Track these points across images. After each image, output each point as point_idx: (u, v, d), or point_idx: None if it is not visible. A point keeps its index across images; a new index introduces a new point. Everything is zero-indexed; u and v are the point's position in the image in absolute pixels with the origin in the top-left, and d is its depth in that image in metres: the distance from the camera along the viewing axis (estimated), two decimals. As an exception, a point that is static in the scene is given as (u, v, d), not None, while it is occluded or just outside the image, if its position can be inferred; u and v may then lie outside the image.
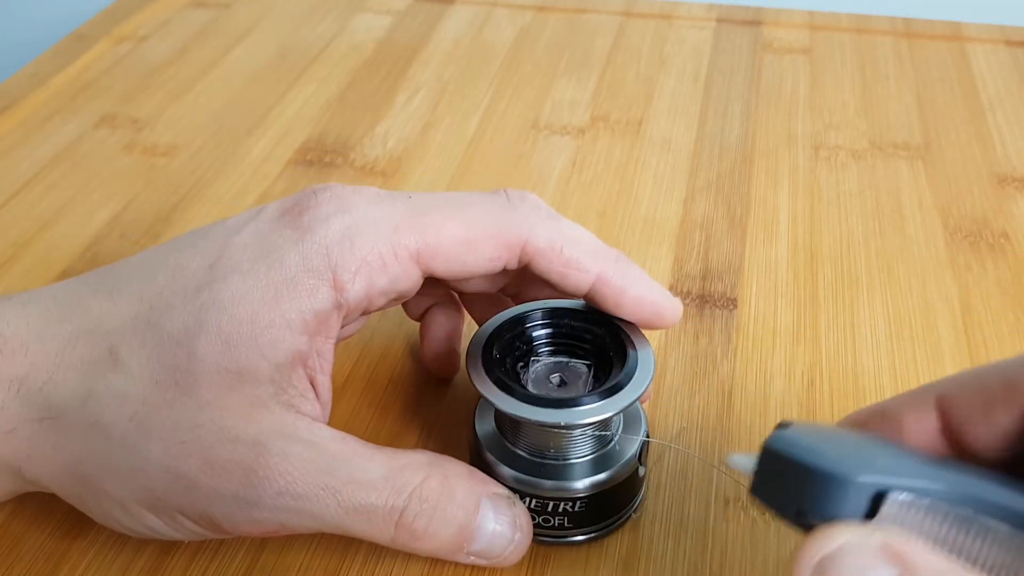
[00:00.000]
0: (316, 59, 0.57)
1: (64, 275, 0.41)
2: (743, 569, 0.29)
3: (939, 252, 0.41)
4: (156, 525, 0.26)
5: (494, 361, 0.28)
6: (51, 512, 0.30)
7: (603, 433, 0.28)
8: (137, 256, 0.28)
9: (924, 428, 0.22)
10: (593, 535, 0.29)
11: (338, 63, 0.57)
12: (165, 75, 0.56)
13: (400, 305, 0.33)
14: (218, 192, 0.46)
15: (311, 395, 0.26)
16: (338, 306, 0.26)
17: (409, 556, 0.29)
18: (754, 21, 0.61)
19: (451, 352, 0.34)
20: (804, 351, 0.36)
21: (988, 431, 0.21)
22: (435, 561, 0.29)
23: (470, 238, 0.27)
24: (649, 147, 0.49)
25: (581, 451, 0.28)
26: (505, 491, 0.27)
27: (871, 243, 0.42)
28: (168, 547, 0.29)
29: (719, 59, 0.57)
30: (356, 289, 0.26)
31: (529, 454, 0.28)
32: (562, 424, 0.26)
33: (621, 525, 0.29)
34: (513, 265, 0.28)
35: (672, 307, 0.28)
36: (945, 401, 0.22)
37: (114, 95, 0.54)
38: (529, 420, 0.26)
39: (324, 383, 0.27)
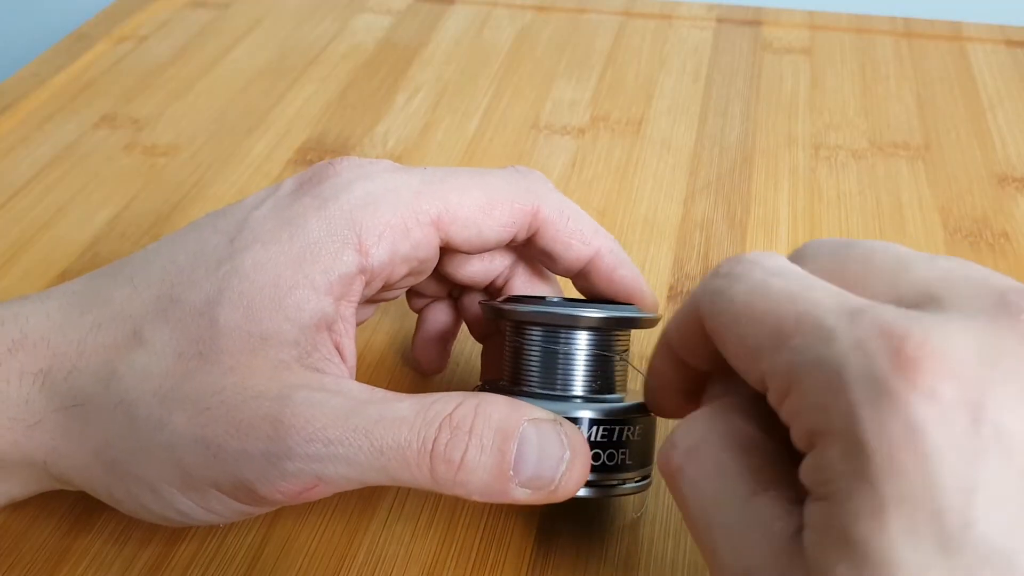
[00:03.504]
0: (316, 59, 0.57)
1: (64, 275, 0.41)
2: (743, 569, 0.29)
3: (939, 252, 0.41)
4: (188, 508, 0.25)
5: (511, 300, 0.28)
6: (52, 510, 0.30)
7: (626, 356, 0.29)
8: (153, 244, 0.28)
9: (673, 373, 0.25)
10: (641, 483, 0.28)
11: (338, 63, 0.57)
12: (165, 75, 0.56)
13: (404, 297, 0.33)
14: (218, 192, 0.46)
15: (337, 359, 0.26)
16: (362, 270, 0.26)
17: (409, 556, 0.29)
18: (754, 21, 0.61)
19: (442, 348, 0.34)
20: (804, 351, 0.36)
21: (701, 358, 0.24)
22: (435, 561, 0.29)
23: (487, 203, 0.28)
24: (649, 147, 0.49)
25: (622, 378, 0.28)
26: (549, 415, 0.25)
27: (871, 243, 0.42)
28: (170, 545, 0.29)
29: (719, 59, 0.57)
30: (380, 253, 0.26)
31: (583, 390, 0.27)
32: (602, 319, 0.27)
33: (648, 484, 0.28)
34: (522, 235, 0.29)
35: (651, 293, 0.30)
36: (671, 346, 0.25)
37: (114, 95, 0.54)
38: (583, 316, 0.27)
39: (350, 347, 0.27)
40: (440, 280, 0.31)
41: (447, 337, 0.34)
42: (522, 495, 0.24)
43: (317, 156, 0.48)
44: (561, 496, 0.24)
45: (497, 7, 0.63)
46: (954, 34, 0.59)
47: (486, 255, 0.30)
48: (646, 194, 0.45)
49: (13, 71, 0.56)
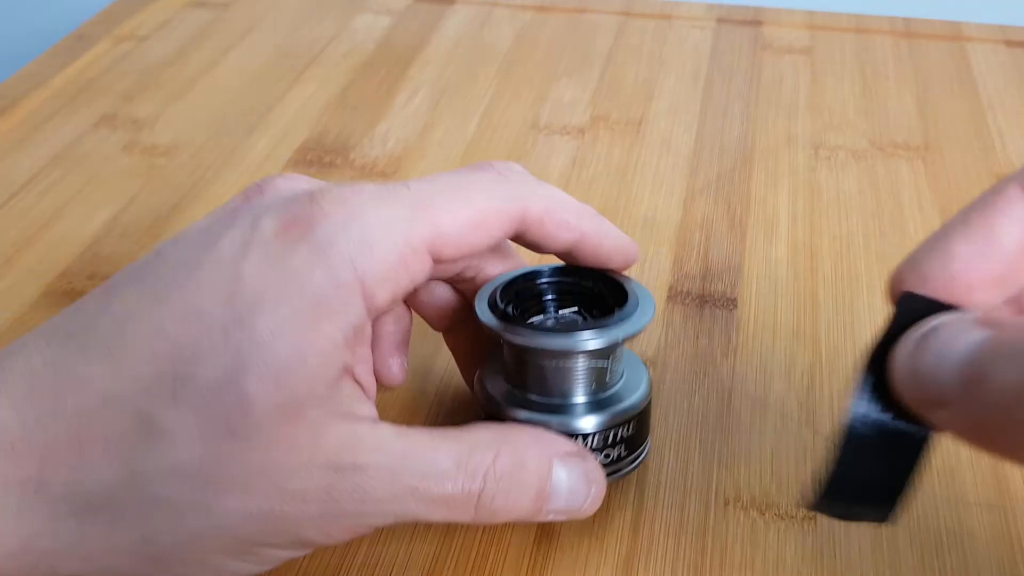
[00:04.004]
0: (316, 59, 0.57)
1: (64, 275, 0.41)
2: (743, 569, 0.29)
3: (939, 252, 0.41)
4: (240, 568, 0.25)
5: (508, 317, 0.28)
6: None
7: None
8: (114, 293, 0.25)
9: None
10: (635, 463, 0.30)
11: (338, 63, 0.57)
12: (165, 75, 0.56)
13: None
14: (218, 192, 0.46)
15: (361, 395, 0.26)
16: (370, 313, 0.25)
17: (409, 556, 0.29)
18: (754, 21, 0.61)
19: (402, 358, 0.31)
20: (804, 351, 0.36)
21: None
22: (435, 561, 0.29)
23: (479, 220, 0.27)
24: (649, 147, 0.49)
25: (617, 377, 0.29)
26: (574, 447, 0.27)
27: (871, 243, 0.42)
28: (168, 547, 0.29)
29: (719, 59, 0.57)
30: (384, 295, 0.25)
31: (582, 397, 0.29)
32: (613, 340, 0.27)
33: (647, 455, 0.31)
34: (508, 236, 0.28)
35: (634, 247, 0.30)
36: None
37: (114, 95, 0.54)
38: (576, 349, 0.27)
39: (369, 380, 0.28)
40: None
41: (405, 342, 0.32)
42: (548, 518, 0.27)
43: (317, 156, 0.48)
44: (581, 517, 0.27)
45: (497, 7, 0.63)
46: (954, 34, 0.59)
47: None
48: (646, 194, 0.45)
49: (13, 71, 0.56)
